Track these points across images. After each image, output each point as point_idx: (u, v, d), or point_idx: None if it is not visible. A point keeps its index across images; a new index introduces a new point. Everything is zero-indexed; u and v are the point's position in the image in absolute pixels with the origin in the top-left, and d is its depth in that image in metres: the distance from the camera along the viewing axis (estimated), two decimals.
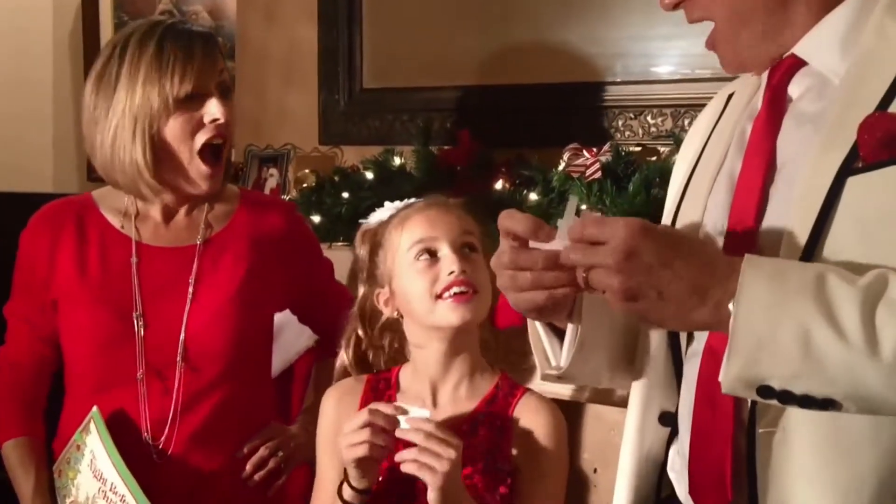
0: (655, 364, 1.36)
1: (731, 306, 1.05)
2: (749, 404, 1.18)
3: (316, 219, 2.49)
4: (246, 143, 2.96)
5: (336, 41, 2.93)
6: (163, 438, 1.86)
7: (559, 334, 1.36)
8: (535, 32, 2.58)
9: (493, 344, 1.85)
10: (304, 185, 2.63)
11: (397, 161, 2.54)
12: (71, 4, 3.90)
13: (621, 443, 1.43)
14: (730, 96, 1.43)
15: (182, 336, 1.87)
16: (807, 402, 1.05)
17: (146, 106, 1.83)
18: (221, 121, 1.85)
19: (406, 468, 1.57)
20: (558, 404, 1.78)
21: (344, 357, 1.88)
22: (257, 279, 1.93)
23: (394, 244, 1.77)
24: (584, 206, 2.04)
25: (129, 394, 1.86)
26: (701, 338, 1.26)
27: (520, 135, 2.54)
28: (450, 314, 1.69)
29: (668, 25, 2.34)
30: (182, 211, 1.95)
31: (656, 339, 1.36)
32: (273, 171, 2.76)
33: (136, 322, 1.87)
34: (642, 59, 2.41)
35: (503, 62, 2.64)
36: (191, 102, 1.84)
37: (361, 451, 1.59)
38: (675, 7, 1.31)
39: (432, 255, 1.72)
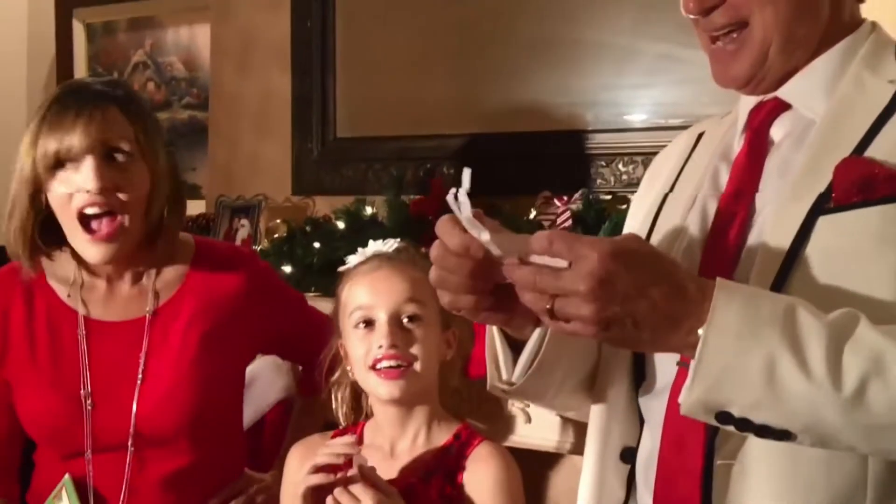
0: (616, 398, 1.34)
1: (700, 331, 1.04)
2: (708, 438, 1.17)
3: (287, 269, 2.46)
4: (217, 194, 2.95)
5: (309, 90, 2.93)
6: None
7: (515, 347, 1.32)
8: (508, 81, 2.59)
9: (465, 393, 1.84)
10: (276, 235, 2.61)
11: (369, 210, 2.53)
12: (45, 56, 3.91)
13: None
14: (700, 135, 1.43)
15: (133, 419, 1.79)
16: (763, 431, 1.05)
17: (26, 171, 1.74)
18: (89, 188, 1.69)
19: None
20: (539, 455, 1.76)
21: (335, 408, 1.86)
22: (214, 343, 1.85)
23: (342, 303, 1.78)
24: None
25: (82, 470, 1.81)
26: (666, 375, 1.25)
27: (492, 183, 2.49)
28: (379, 388, 1.70)
29: (638, 75, 2.37)
30: (127, 280, 1.86)
31: (617, 373, 1.34)
32: (244, 221, 2.74)
33: (84, 402, 1.79)
34: (613, 107, 2.42)
35: (475, 111, 2.65)
36: (67, 169, 1.72)
37: (302, 486, 1.60)
38: (707, 13, 1.27)
39: (369, 324, 1.72)
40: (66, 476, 1.80)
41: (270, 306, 1.96)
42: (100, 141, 1.71)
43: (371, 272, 1.75)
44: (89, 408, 1.80)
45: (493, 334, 1.33)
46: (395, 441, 1.75)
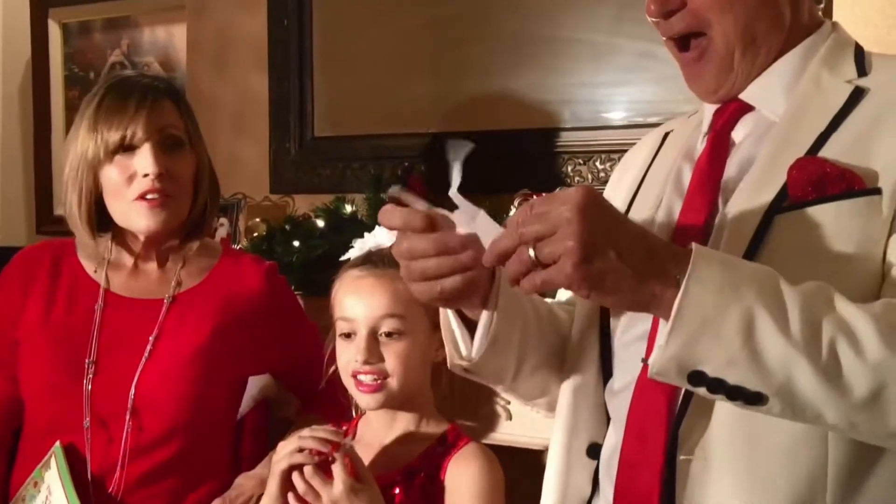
0: (584, 395, 1.35)
1: (682, 280, 1.03)
2: (670, 433, 1.17)
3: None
4: None
5: (287, 90, 2.93)
6: (109, 486, 1.83)
7: (471, 327, 1.33)
8: (485, 79, 2.60)
9: (450, 398, 1.87)
10: (255, 234, 2.61)
11: (349, 209, 2.53)
12: (20, 58, 3.88)
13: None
14: (666, 134, 1.45)
15: (132, 392, 1.84)
16: (736, 393, 1.04)
17: (83, 156, 1.85)
18: (151, 174, 1.83)
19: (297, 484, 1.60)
20: (529, 453, 1.77)
21: None
22: (223, 340, 1.91)
23: (332, 306, 1.81)
24: None
25: (77, 440, 1.84)
26: (632, 371, 1.25)
27: (470, 181, 2.52)
28: (360, 397, 1.75)
29: (616, 72, 2.38)
30: (154, 263, 1.95)
31: (585, 368, 1.35)
32: (223, 220, 2.73)
33: (86, 369, 1.85)
34: (591, 105, 2.43)
35: (453, 109, 2.65)
36: (126, 154, 1.85)
37: (284, 463, 1.61)
38: (668, 16, 1.28)
39: (349, 335, 1.75)
40: (57, 444, 1.83)
41: (285, 324, 2.01)
42: (157, 129, 1.86)
43: (357, 280, 1.77)
44: (91, 376, 1.85)
45: (448, 315, 1.34)
46: (383, 439, 1.78)
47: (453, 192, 1.16)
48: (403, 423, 1.77)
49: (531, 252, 1.04)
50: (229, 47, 3.10)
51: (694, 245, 1.06)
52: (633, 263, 1.04)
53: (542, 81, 2.50)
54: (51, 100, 3.84)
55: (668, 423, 1.18)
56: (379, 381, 1.71)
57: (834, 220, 1.15)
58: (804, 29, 1.30)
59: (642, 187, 1.40)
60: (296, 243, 2.47)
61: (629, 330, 1.30)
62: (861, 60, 1.27)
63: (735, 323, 1.02)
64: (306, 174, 2.89)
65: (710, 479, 1.14)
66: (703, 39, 1.28)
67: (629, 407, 1.24)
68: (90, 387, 1.85)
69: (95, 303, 1.91)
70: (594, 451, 1.33)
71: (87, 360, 1.86)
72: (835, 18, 2.18)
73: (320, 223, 2.50)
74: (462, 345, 1.33)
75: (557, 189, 2.22)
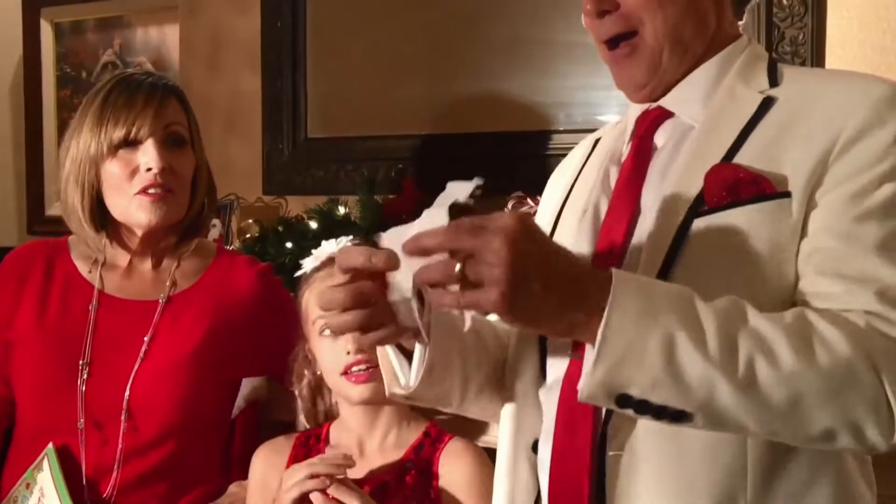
0: (524, 394, 1.38)
1: (605, 309, 1.07)
2: (597, 428, 1.22)
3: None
4: None
5: (280, 90, 2.92)
6: (103, 488, 1.83)
7: (408, 354, 1.35)
8: (479, 82, 2.60)
9: None
10: (248, 235, 2.60)
11: (342, 210, 2.52)
12: (12, 57, 3.87)
13: None
14: (596, 141, 1.52)
15: (127, 393, 1.84)
16: (662, 412, 1.09)
17: (86, 152, 1.85)
18: (154, 169, 1.84)
19: None
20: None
21: (300, 404, 1.89)
22: (217, 341, 1.90)
23: (304, 310, 1.80)
24: None
25: (71, 441, 1.84)
26: (559, 366, 1.31)
27: None
28: (351, 391, 1.74)
29: (610, 75, 2.37)
30: (149, 263, 1.95)
31: (525, 369, 1.38)
32: (216, 221, 2.72)
33: (80, 371, 1.84)
34: (585, 108, 2.43)
35: (447, 111, 2.65)
36: (129, 149, 1.85)
37: (296, 491, 1.60)
38: (602, 15, 1.34)
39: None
40: (50, 445, 1.82)
41: (280, 325, 1.98)
42: (163, 126, 1.87)
43: (328, 279, 1.75)
44: (85, 377, 1.84)
45: (385, 347, 1.37)
46: (363, 441, 1.78)
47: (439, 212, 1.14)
48: (384, 422, 1.77)
49: (457, 266, 1.07)
50: (222, 47, 3.09)
51: (614, 272, 1.10)
52: (557, 294, 1.08)
53: (535, 84, 2.50)
54: (42, 99, 3.84)
55: (594, 417, 1.23)
56: (371, 370, 1.69)
57: (747, 223, 1.20)
58: (724, 39, 1.37)
59: (573, 191, 1.46)
60: (289, 245, 2.46)
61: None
62: (774, 72, 1.34)
63: (656, 347, 1.07)
64: (299, 175, 2.89)
65: (638, 475, 1.19)
66: (634, 38, 1.34)
67: (558, 401, 1.29)
68: (84, 388, 1.84)
69: (89, 304, 1.90)
70: (537, 446, 1.37)
71: (81, 362, 1.85)
72: (828, 22, 2.20)
73: (313, 225, 2.50)
74: (400, 374, 1.36)
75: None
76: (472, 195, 1.16)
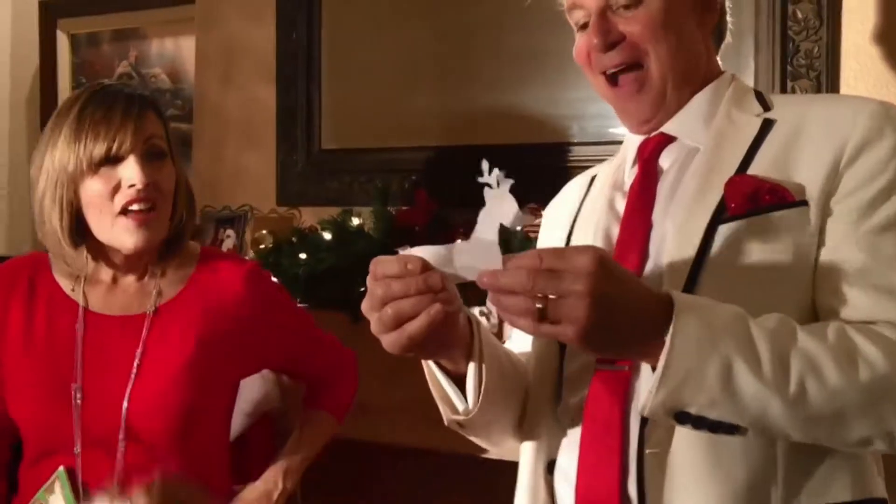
0: (543, 414, 1.41)
1: (667, 338, 1.13)
2: (638, 430, 1.27)
3: (273, 280, 2.46)
4: (203, 205, 2.94)
5: (294, 102, 2.93)
6: None
7: (458, 382, 1.36)
8: (493, 94, 2.60)
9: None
10: (262, 246, 2.61)
11: (355, 221, 2.53)
12: (29, 67, 3.89)
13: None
14: (593, 178, 1.58)
15: (124, 413, 1.80)
16: (718, 426, 1.16)
17: (63, 169, 1.78)
18: (138, 185, 1.77)
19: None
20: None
21: None
22: (210, 349, 1.86)
23: None
24: None
25: (71, 464, 1.81)
26: (578, 385, 1.34)
27: (477, 195, 2.50)
28: None
29: None
30: (133, 277, 1.90)
31: (542, 391, 1.42)
32: (230, 232, 2.74)
33: (74, 394, 1.81)
34: (598, 119, 2.44)
35: (461, 123, 2.65)
36: (110, 165, 1.79)
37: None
38: (611, 47, 1.38)
39: None
40: (61, 468, 1.80)
41: (275, 321, 1.96)
42: (143, 140, 1.80)
43: None
44: (79, 401, 1.81)
45: (434, 371, 1.36)
46: None
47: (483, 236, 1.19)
48: None
49: (538, 305, 1.10)
50: (237, 59, 3.10)
51: (674, 297, 1.15)
52: (629, 326, 1.13)
53: (549, 96, 2.50)
54: None
55: (621, 418, 1.28)
56: None
57: (770, 229, 1.26)
58: (711, 73, 1.44)
59: (576, 226, 1.51)
60: (302, 256, 2.47)
61: (577, 357, 1.38)
62: (763, 99, 1.41)
63: (715, 373, 1.13)
64: (313, 186, 2.89)
65: (675, 471, 1.24)
66: (639, 73, 1.39)
67: (584, 414, 1.32)
68: (80, 412, 1.80)
69: (75, 322, 1.85)
70: (551, 467, 1.40)
71: (73, 385, 1.81)
72: (843, 35, 2.20)
73: (327, 236, 2.50)
74: (457, 400, 1.36)
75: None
76: (516, 215, 1.21)
